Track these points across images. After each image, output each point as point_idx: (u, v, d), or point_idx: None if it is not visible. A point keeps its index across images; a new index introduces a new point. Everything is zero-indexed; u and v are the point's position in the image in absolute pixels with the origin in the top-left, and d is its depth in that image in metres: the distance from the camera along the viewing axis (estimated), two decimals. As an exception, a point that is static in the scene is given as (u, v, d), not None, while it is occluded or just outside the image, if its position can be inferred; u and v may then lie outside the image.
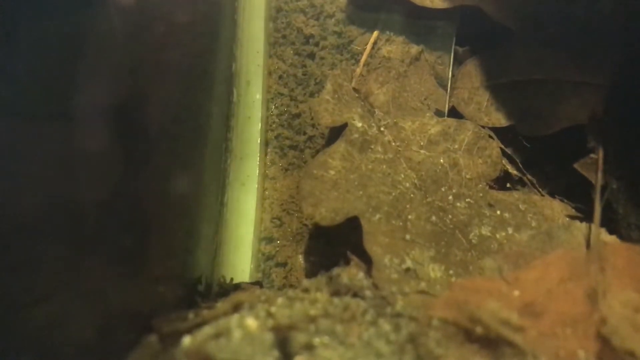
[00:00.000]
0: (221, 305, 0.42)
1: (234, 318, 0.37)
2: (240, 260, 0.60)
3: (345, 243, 0.55)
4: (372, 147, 0.54)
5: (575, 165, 0.49)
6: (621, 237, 0.45)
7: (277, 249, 0.61)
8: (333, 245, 0.60)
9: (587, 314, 0.37)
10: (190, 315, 0.40)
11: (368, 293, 0.43)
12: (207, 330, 0.36)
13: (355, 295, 0.43)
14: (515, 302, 0.38)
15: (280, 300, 0.41)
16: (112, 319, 0.43)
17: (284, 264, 0.61)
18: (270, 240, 0.61)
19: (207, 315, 0.40)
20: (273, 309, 0.39)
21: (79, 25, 0.43)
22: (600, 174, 0.46)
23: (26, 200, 0.38)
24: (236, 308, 0.40)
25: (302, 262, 0.60)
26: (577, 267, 0.40)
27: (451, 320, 0.37)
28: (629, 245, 0.41)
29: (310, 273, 0.60)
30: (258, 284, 0.58)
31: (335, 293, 0.44)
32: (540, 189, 0.56)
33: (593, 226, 0.43)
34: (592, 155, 0.48)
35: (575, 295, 0.38)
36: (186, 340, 0.36)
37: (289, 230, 0.61)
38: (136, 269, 0.48)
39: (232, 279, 0.58)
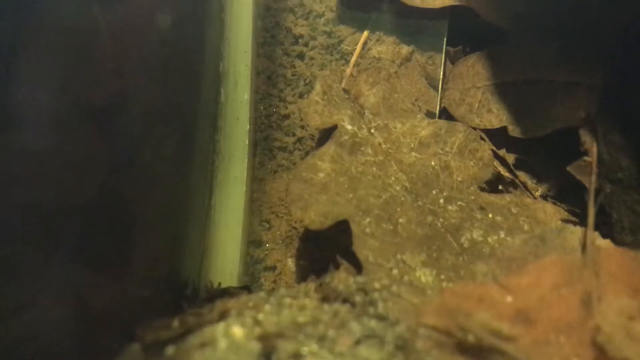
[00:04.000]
0: (207, 312, 0.41)
1: (220, 326, 0.36)
2: (228, 263, 0.59)
3: (335, 246, 0.54)
4: (362, 149, 0.53)
5: (569, 168, 0.48)
6: (614, 241, 0.44)
7: (266, 252, 0.60)
8: (323, 249, 0.59)
9: (582, 320, 0.37)
10: (175, 323, 0.39)
11: (358, 299, 0.42)
12: (192, 339, 0.35)
13: (345, 301, 0.42)
14: (507, 308, 0.38)
15: (267, 307, 0.40)
16: (94, 326, 0.42)
17: (273, 268, 0.60)
18: (258, 243, 0.60)
19: (193, 323, 0.39)
20: (260, 316, 0.38)
21: (60, 23, 0.42)
22: (594, 177, 0.45)
23: (3, 205, 0.37)
24: (222, 315, 0.39)
25: (292, 265, 0.59)
26: (570, 273, 0.39)
27: (442, 327, 0.36)
28: (623, 251, 0.40)
29: (300, 277, 0.59)
30: (246, 288, 0.57)
31: (325, 299, 0.43)
32: (532, 192, 0.55)
33: (587, 230, 0.42)
34: (585, 158, 0.47)
35: (569, 301, 0.38)
36: (170, 349, 0.35)
37: (278, 233, 0.60)
38: (120, 274, 0.47)
39: (219, 283, 0.57)
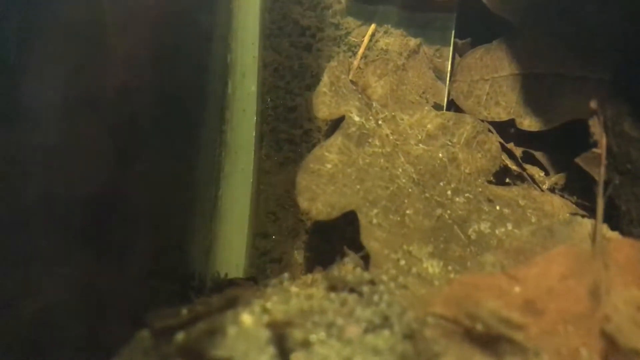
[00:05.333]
0: (215, 300, 0.41)
1: (229, 314, 0.36)
2: (235, 255, 0.59)
3: (342, 238, 0.54)
4: (370, 140, 0.53)
5: (577, 160, 0.48)
6: (623, 233, 0.44)
7: (272, 244, 0.60)
8: (329, 241, 0.59)
9: (590, 311, 0.37)
10: (184, 311, 0.39)
11: (365, 289, 0.42)
12: (201, 326, 0.35)
13: (352, 290, 0.42)
14: (516, 299, 0.37)
15: (275, 296, 0.40)
16: (104, 314, 0.42)
17: (279, 260, 0.60)
18: (265, 235, 0.60)
19: (201, 311, 0.39)
20: (269, 305, 0.38)
21: (68, 15, 0.42)
22: (603, 169, 0.45)
23: (14, 194, 0.37)
24: (230, 304, 0.39)
25: (298, 257, 0.59)
26: (579, 264, 0.39)
27: (451, 317, 0.36)
28: (632, 242, 0.40)
29: (306, 269, 0.59)
30: (253, 279, 0.57)
31: (332, 289, 0.43)
32: (540, 185, 0.55)
33: (596, 222, 0.42)
34: (594, 149, 0.47)
35: (578, 292, 0.38)
36: (179, 336, 0.35)
37: (285, 225, 0.61)
38: (128, 264, 0.47)
39: (226, 275, 0.57)
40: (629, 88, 0.47)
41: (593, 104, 0.46)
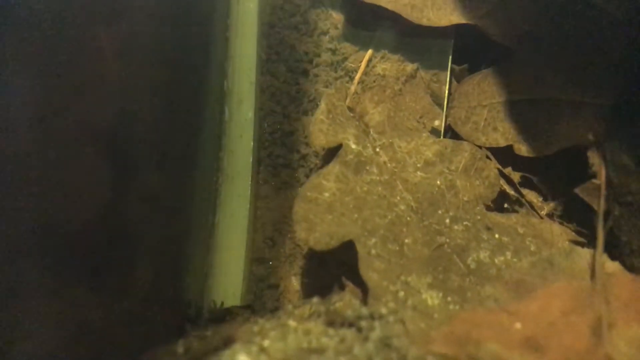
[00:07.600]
0: (212, 336, 0.41)
1: (225, 355, 0.35)
2: (232, 281, 0.59)
3: (340, 264, 0.54)
4: (368, 168, 0.52)
5: (577, 191, 0.48)
6: (623, 264, 0.44)
7: (270, 270, 0.60)
8: (327, 266, 0.58)
9: (592, 348, 0.36)
10: (180, 349, 0.39)
11: (364, 324, 0.41)
12: (197, 369, 0.34)
13: (350, 325, 0.42)
14: (517, 336, 0.37)
15: (272, 332, 0.39)
16: (96, 349, 0.41)
17: (277, 286, 0.59)
18: (262, 261, 0.60)
19: (197, 349, 0.38)
20: (266, 343, 0.37)
21: (64, 43, 0.42)
22: (602, 200, 0.44)
23: (4, 226, 0.37)
24: (227, 341, 0.39)
25: (295, 283, 0.59)
26: (580, 299, 0.39)
27: (451, 356, 0.36)
28: (634, 277, 0.40)
29: (304, 295, 0.58)
30: (249, 307, 0.56)
31: (330, 323, 0.42)
32: (538, 211, 0.54)
33: (596, 255, 0.42)
34: (593, 180, 0.46)
35: (579, 328, 0.37)
36: (175, 379, 0.34)
37: (282, 250, 0.60)
38: (122, 295, 0.47)
39: (222, 303, 0.56)
40: (628, 119, 0.46)
41: (591, 136, 0.45)
